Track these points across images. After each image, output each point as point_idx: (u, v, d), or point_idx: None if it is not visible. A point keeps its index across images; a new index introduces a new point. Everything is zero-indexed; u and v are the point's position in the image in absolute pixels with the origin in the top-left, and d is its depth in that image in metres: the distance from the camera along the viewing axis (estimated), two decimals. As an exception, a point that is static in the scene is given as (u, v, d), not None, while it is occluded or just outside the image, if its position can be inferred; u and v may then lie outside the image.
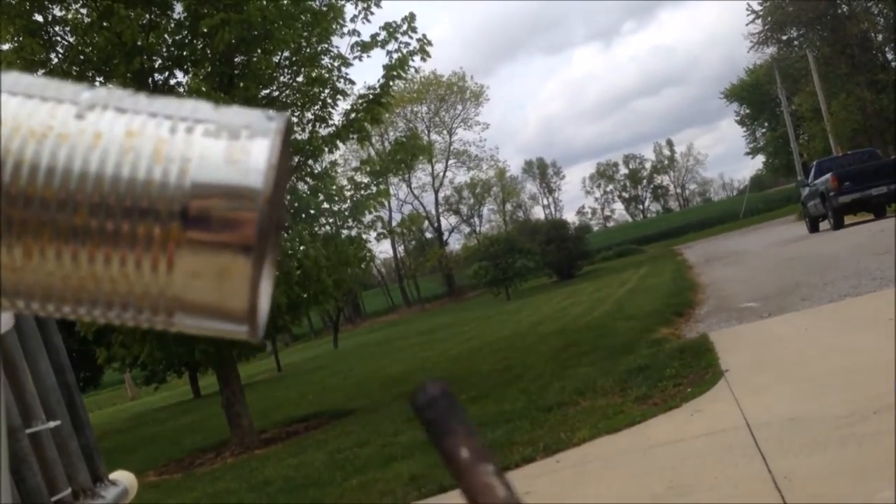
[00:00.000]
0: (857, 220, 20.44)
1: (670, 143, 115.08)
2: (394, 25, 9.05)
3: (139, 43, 7.86)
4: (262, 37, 8.24)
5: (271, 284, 0.45)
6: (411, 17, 9.10)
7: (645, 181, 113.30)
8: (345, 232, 9.40)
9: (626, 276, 22.21)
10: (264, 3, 7.96)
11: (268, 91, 8.83)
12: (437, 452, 0.42)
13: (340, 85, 9.16)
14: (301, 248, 8.25)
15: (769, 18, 36.08)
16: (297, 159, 8.88)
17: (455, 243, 61.92)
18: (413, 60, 9.17)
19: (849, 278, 8.80)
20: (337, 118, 9.24)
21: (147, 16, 8.11)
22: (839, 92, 33.03)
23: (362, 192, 9.50)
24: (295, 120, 8.94)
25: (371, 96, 9.19)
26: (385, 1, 9.24)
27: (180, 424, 13.98)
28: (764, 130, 59.69)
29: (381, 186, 9.75)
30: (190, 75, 8.68)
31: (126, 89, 0.41)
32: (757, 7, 35.84)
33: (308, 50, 8.97)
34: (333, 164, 9.84)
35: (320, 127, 9.18)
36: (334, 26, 9.00)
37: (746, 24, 42.48)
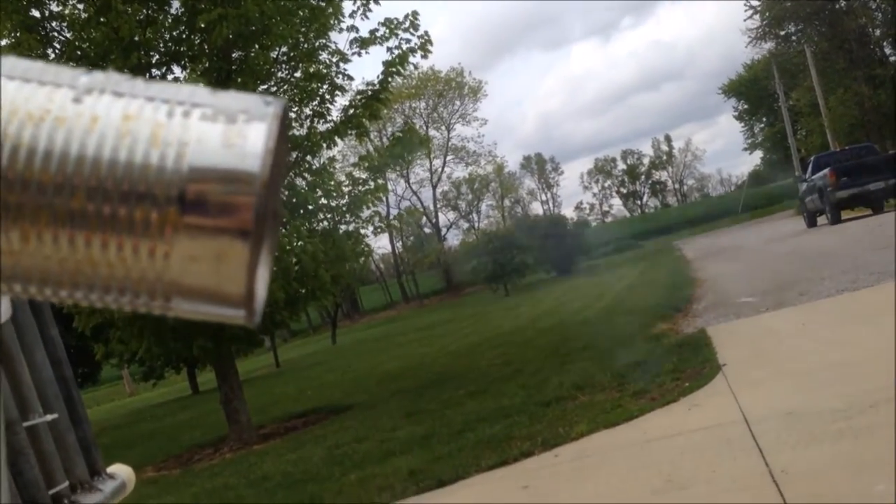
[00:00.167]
0: (854, 216, 20.46)
1: (668, 139, 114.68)
2: (395, 22, 9.03)
3: (136, 38, 7.85)
4: (259, 32, 8.23)
5: (269, 271, 0.45)
6: (414, 15, 9.08)
7: (643, 177, 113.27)
8: (342, 227, 9.39)
9: (625, 271, 22.23)
10: (262, -2, 7.95)
11: (265, 86, 8.82)
12: None
13: (339, 81, 9.16)
14: (299, 243, 8.25)
15: (767, 14, 36.08)
16: (295, 155, 8.87)
17: (453, 239, 61.99)
18: (413, 57, 9.16)
19: (846, 273, 8.81)
20: (335, 114, 9.24)
21: (144, 11, 8.09)
22: (837, 87, 33.06)
23: (360, 187, 9.50)
24: (293, 115, 8.93)
25: (370, 92, 9.18)
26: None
27: (178, 420, 13.99)
28: (762, 126, 59.76)
29: (379, 181, 9.74)
30: (187, 70, 8.67)
31: (123, 74, 0.41)
32: (755, 3, 35.86)
33: (306, 45, 8.96)
34: (332, 159, 9.83)
35: (318, 122, 9.17)
36: (332, 22, 8.99)
37: (745, 20, 42.48)
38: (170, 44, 8.54)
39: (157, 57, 8.51)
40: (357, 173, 9.90)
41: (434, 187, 58.59)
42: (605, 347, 7.90)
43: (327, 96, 9.10)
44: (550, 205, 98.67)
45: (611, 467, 4.04)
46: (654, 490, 3.48)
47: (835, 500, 2.82)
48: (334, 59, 9.13)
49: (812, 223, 22.01)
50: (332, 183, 9.43)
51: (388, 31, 9.03)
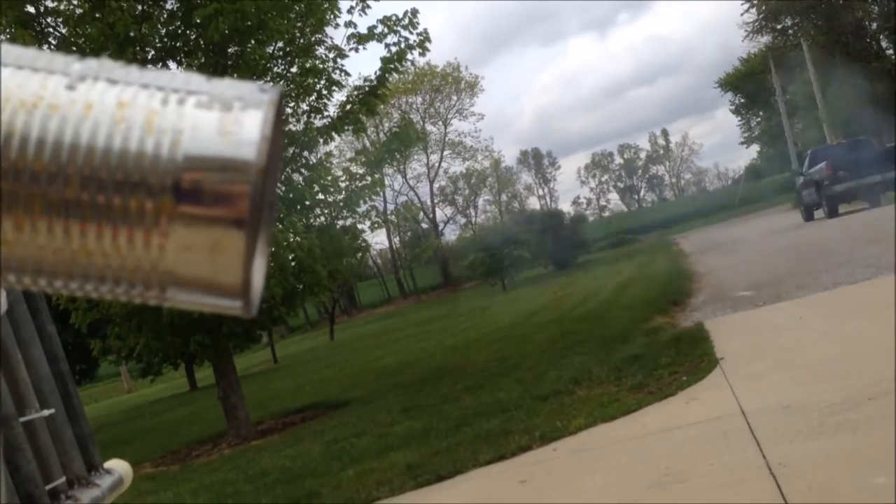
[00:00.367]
0: (851, 209, 20.48)
1: (665, 133, 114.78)
2: (393, 19, 9.01)
3: (132, 34, 7.83)
4: (255, 27, 8.21)
5: (266, 261, 0.44)
6: (413, 13, 9.06)
7: (640, 171, 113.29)
8: (339, 223, 9.39)
9: (622, 265, 22.25)
10: (257, -8, 7.93)
11: (262, 82, 8.78)
12: None
13: (336, 76, 9.14)
14: (296, 239, 8.24)
15: (764, 7, 36.08)
16: (291, 150, 8.86)
17: (451, 234, 61.99)
18: (412, 54, 9.15)
19: (843, 266, 8.81)
20: (332, 109, 9.23)
21: (140, 6, 8.07)
22: (834, 80, 33.05)
23: (357, 182, 9.49)
24: (290, 111, 8.91)
25: (367, 88, 9.17)
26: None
27: (177, 416, 13.99)
28: (759, 120, 59.71)
29: (376, 176, 9.73)
30: (183, 66, 8.65)
31: (117, 62, 0.41)
32: (751, -4, 35.82)
33: (302, 41, 8.94)
34: (328, 154, 9.81)
35: (315, 118, 9.16)
36: (329, 17, 8.97)
37: (741, 14, 42.47)
38: (165, 39, 8.52)
39: (153, 52, 8.49)
40: (354, 168, 9.89)
41: (431, 182, 58.57)
42: (602, 342, 7.90)
43: (324, 92, 9.08)
44: (547, 200, 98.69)
45: (609, 461, 4.05)
46: (651, 483, 3.48)
47: (832, 492, 2.82)
48: (331, 55, 9.12)
49: (809, 217, 22.02)
50: (329, 178, 9.42)
51: (386, 28, 9.01)
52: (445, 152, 58.32)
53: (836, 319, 6.16)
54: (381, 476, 4.90)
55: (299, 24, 8.77)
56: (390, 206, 46.18)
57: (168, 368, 23.13)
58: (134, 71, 0.40)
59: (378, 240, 62.01)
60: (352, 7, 9.05)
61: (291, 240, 8.22)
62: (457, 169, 68.23)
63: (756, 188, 61.75)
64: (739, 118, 62.70)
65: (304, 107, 9.09)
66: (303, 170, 9.19)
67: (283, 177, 8.84)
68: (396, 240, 61.03)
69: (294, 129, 8.93)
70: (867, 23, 35.02)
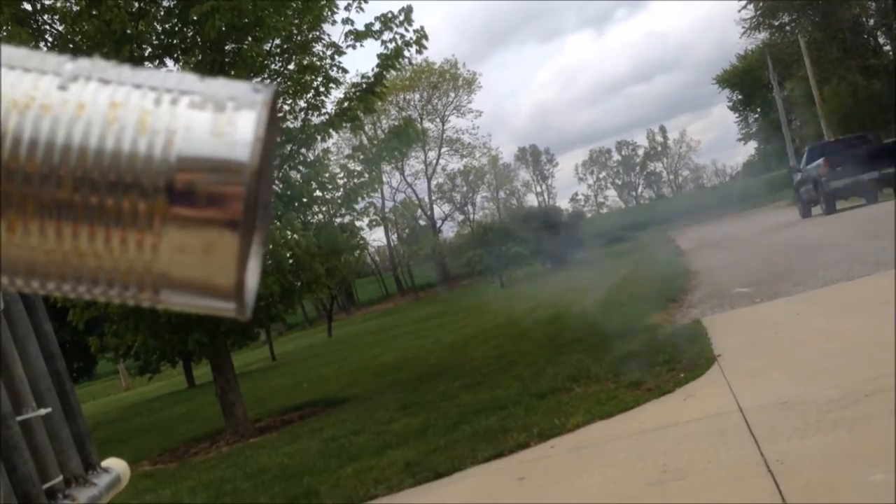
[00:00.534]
0: (849, 205, 20.50)
1: (663, 130, 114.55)
2: (389, 16, 9.00)
3: (128, 31, 7.81)
4: (252, 24, 8.19)
5: (260, 262, 0.44)
6: (408, 10, 9.05)
7: (638, 168, 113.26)
8: (337, 220, 9.38)
9: (620, 262, 22.25)
10: (255, -11, 7.91)
11: (259, 79, 8.79)
12: None
13: (333, 73, 9.13)
14: (293, 236, 8.23)
15: (761, 4, 36.06)
16: (289, 147, 8.85)
17: (448, 231, 61.94)
18: (409, 51, 9.14)
19: (841, 263, 8.82)
20: (330, 106, 9.22)
21: (136, 4, 8.06)
22: (831, 77, 33.07)
23: (355, 179, 9.48)
24: (287, 108, 8.91)
25: (364, 85, 9.16)
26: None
27: (175, 414, 13.99)
28: (756, 116, 59.78)
29: (374, 173, 9.72)
30: (180, 63, 8.63)
31: (110, 61, 0.40)
32: (749, -7, 35.82)
33: (299, 37, 8.93)
34: (326, 151, 9.80)
35: (313, 115, 9.15)
36: (326, 14, 8.95)
37: (739, 10, 42.49)
38: (162, 36, 8.50)
39: (150, 50, 8.47)
40: (352, 165, 9.89)
41: (429, 179, 58.55)
42: (600, 338, 7.90)
43: (321, 89, 9.07)
44: (545, 196, 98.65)
45: (606, 458, 4.05)
46: (649, 481, 3.48)
47: (830, 489, 2.83)
48: (328, 52, 9.11)
49: (807, 213, 22.03)
50: (327, 175, 9.42)
51: (383, 25, 9.00)
52: (443, 149, 58.32)
53: (834, 316, 6.16)
54: (380, 474, 4.90)
55: (296, 21, 8.76)
56: (388, 204, 46.20)
57: (166, 366, 23.15)
58: (126, 71, 0.40)
59: (376, 237, 62.03)
60: (349, 4, 9.05)
61: (289, 237, 8.22)
62: (455, 166, 68.24)
63: (754, 185, 61.79)
64: (737, 115, 62.82)
65: (302, 104, 9.09)
66: (300, 167, 9.18)
67: (280, 174, 8.84)
68: (394, 237, 61.03)
69: (292, 126, 8.93)
70: (864, 19, 35.02)
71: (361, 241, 9.76)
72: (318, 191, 9.32)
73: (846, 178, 19.33)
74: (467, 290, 38.82)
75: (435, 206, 60.54)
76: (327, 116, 9.14)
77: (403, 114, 48.97)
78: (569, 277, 22.43)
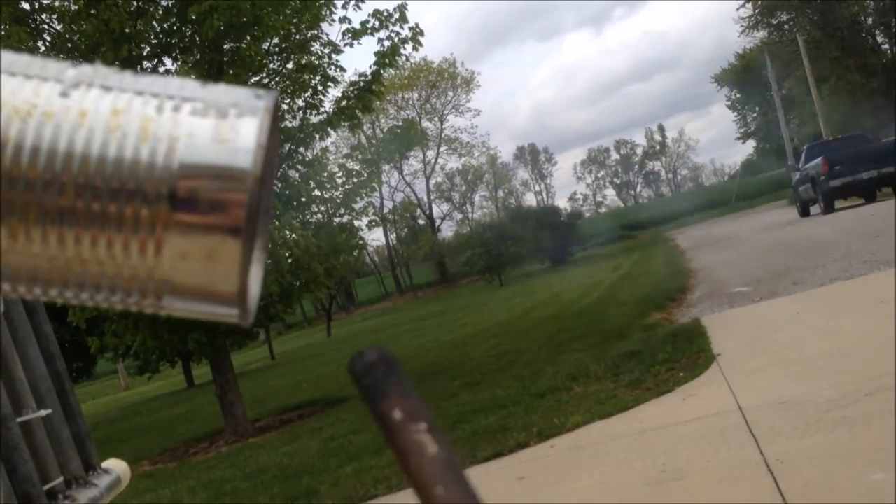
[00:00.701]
0: (847, 205, 20.51)
1: (661, 129, 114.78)
2: (385, 14, 9.01)
3: (127, 30, 7.80)
4: (250, 23, 8.19)
5: (262, 267, 0.44)
6: (403, 7, 9.06)
7: (636, 167, 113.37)
8: (336, 220, 9.38)
9: (619, 261, 22.25)
10: (253, -11, 7.91)
11: (258, 78, 8.79)
12: (374, 418, 0.40)
13: (331, 72, 9.13)
14: (292, 236, 8.23)
15: (759, 3, 36.07)
16: (287, 147, 8.85)
17: (447, 230, 61.92)
18: (405, 49, 9.14)
19: (840, 262, 8.83)
20: (328, 105, 9.22)
21: (135, 3, 8.05)
22: (829, 76, 33.08)
23: (354, 179, 9.48)
24: (285, 107, 8.91)
25: (362, 84, 9.16)
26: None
27: (174, 414, 13.98)
28: (755, 115, 59.80)
29: (373, 170, 9.72)
30: (179, 62, 8.63)
31: (112, 68, 0.40)
32: (747, -9, 35.82)
33: (298, 37, 8.93)
34: (324, 150, 9.80)
35: (311, 114, 9.15)
36: (324, 13, 8.96)
37: (737, 9, 42.47)
38: (161, 36, 8.49)
39: (148, 49, 8.47)
40: (351, 164, 9.89)
41: (428, 178, 58.48)
42: (599, 338, 7.91)
43: (320, 88, 9.07)
44: (544, 195, 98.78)
45: (606, 458, 4.05)
46: (649, 480, 3.49)
47: (830, 489, 2.83)
48: (326, 51, 9.11)
49: (805, 212, 22.04)
50: (326, 174, 9.41)
51: (378, 22, 9.01)
52: (442, 148, 58.27)
53: (833, 315, 6.17)
54: (379, 473, 4.90)
55: (295, 21, 8.76)
56: (387, 203, 46.19)
57: (165, 366, 23.15)
58: (128, 77, 0.40)
59: (375, 236, 62.01)
60: (346, 2, 9.05)
61: (288, 237, 8.22)
62: (453, 165, 68.19)
63: (752, 184, 61.81)
64: (735, 113, 62.85)
65: (300, 103, 9.09)
66: (299, 166, 9.19)
67: (279, 173, 8.84)
68: (393, 236, 61.00)
69: (290, 125, 8.92)
70: (863, 18, 35.04)
71: (360, 241, 9.76)
72: (316, 190, 9.32)
73: (844, 177, 19.33)
74: (466, 289, 38.83)
75: (434, 206, 60.52)
76: (325, 115, 9.14)
77: (402, 113, 49.02)
78: (567, 276, 22.44)
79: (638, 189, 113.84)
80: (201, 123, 0.38)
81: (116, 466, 1.52)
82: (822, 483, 2.89)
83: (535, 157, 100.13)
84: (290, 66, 9.06)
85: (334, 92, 9.23)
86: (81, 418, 1.47)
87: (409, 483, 0.39)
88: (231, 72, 8.26)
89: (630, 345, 6.89)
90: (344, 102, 9.10)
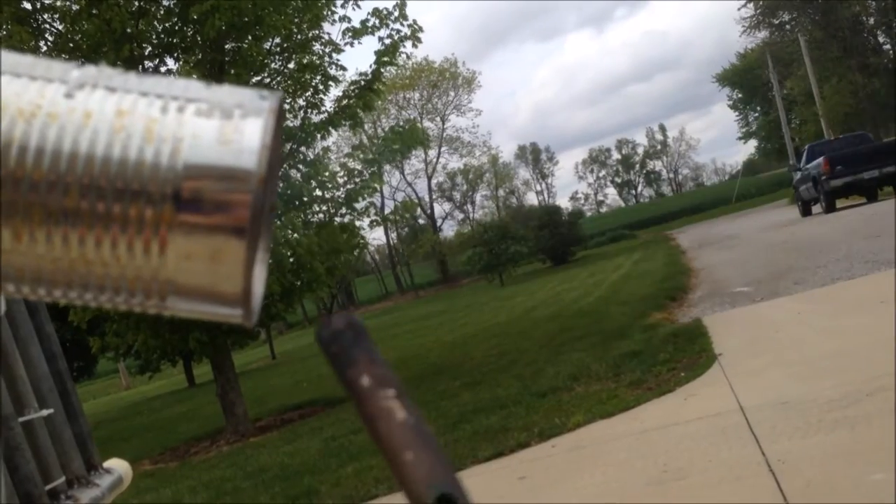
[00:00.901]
0: (848, 204, 20.49)
1: (663, 128, 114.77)
2: (384, 12, 9.01)
3: (128, 30, 7.81)
4: (252, 23, 8.20)
5: (265, 269, 0.44)
6: (402, 5, 9.07)
7: (637, 166, 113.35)
8: (337, 219, 9.39)
9: (620, 261, 22.24)
10: (254, -11, 7.91)
11: (259, 78, 8.79)
12: (342, 385, 0.40)
13: (332, 71, 9.14)
14: (294, 235, 8.24)
15: (761, 3, 36.06)
16: (289, 146, 8.85)
17: (448, 230, 61.87)
18: (404, 47, 9.15)
19: (841, 262, 8.82)
20: (329, 105, 9.23)
21: (136, 3, 8.05)
22: (831, 76, 33.05)
23: (355, 179, 9.49)
24: (287, 107, 8.91)
25: (363, 83, 9.17)
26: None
27: (175, 413, 13.99)
28: (756, 115, 59.77)
29: (374, 169, 9.73)
30: (180, 62, 8.64)
31: (115, 68, 0.40)
32: (749, -9, 35.81)
33: (299, 36, 8.93)
34: (326, 150, 9.81)
35: (312, 113, 9.16)
36: (325, 12, 8.96)
37: (739, 9, 42.49)
38: (162, 35, 8.50)
39: (150, 49, 8.47)
40: (352, 164, 9.89)
41: (429, 178, 58.44)
42: (600, 337, 7.91)
43: (321, 87, 9.08)
44: (545, 195, 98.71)
45: (607, 458, 4.05)
46: (650, 480, 3.49)
47: (831, 489, 2.83)
48: (327, 50, 9.11)
49: (806, 212, 22.03)
50: (327, 174, 9.42)
51: (378, 20, 9.01)
52: (443, 148, 58.24)
53: (835, 315, 6.16)
54: (380, 473, 4.90)
55: (296, 20, 8.76)
56: (388, 202, 46.18)
57: (166, 365, 23.13)
58: (132, 78, 0.40)
59: (375, 235, 61.99)
60: (345, 1, 9.07)
61: (290, 236, 8.22)
62: (455, 165, 68.14)
63: (753, 183, 61.80)
64: (737, 113, 62.80)
65: (301, 102, 9.10)
66: (300, 165, 9.19)
67: (280, 172, 8.83)
68: (394, 235, 60.99)
69: (291, 124, 8.93)
70: (864, 18, 35.01)
71: (362, 241, 9.76)
72: (317, 189, 9.32)
73: (846, 176, 19.32)
74: (467, 288, 38.84)
75: (435, 205, 60.49)
76: (327, 115, 9.14)
77: (404, 113, 49.00)
78: (568, 276, 22.43)
79: (639, 188, 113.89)
80: (206, 124, 0.38)
81: (118, 466, 1.52)
82: (824, 483, 2.89)
83: (536, 157, 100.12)
84: (291, 65, 9.07)
85: (335, 91, 9.25)
86: (83, 418, 1.47)
87: (378, 449, 0.39)
88: (232, 71, 8.27)
89: (631, 344, 6.89)
90: (345, 101, 9.11)
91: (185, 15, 8.08)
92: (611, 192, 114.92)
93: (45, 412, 1.31)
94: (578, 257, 33.43)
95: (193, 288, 0.39)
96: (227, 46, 8.54)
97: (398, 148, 9.79)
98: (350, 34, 9.08)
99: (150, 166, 0.38)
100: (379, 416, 0.39)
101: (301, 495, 5.03)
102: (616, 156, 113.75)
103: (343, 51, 9.13)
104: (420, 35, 9.18)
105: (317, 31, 9.08)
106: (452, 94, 55.97)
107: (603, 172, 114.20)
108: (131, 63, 7.93)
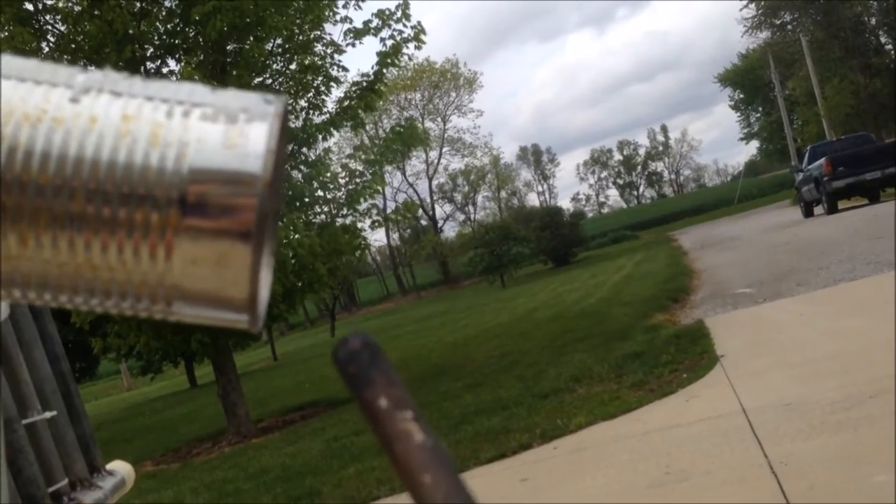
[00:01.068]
0: (850, 205, 20.48)
1: (664, 129, 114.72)
2: (387, 13, 9.02)
3: (130, 31, 7.81)
4: (254, 24, 8.20)
5: (271, 273, 0.44)
6: (405, 5, 9.07)
7: (639, 167, 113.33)
8: (339, 220, 9.39)
9: (621, 262, 22.22)
10: (256, -10, 7.92)
11: (261, 79, 8.80)
12: (359, 406, 0.40)
13: (334, 72, 9.14)
14: (295, 236, 8.23)
15: (763, 3, 36.05)
16: (290, 147, 8.85)
17: (450, 231, 61.86)
18: (407, 48, 9.15)
19: (843, 263, 8.82)
20: (330, 105, 9.23)
21: (138, 4, 8.06)
22: (833, 76, 33.03)
23: (357, 179, 9.49)
24: (288, 108, 8.90)
25: (364, 83, 9.17)
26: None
27: (177, 414, 13.99)
28: (758, 115, 59.69)
29: (376, 170, 9.73)
30: (182, 63, 8.64)
31: (121, 73, 0.40)
32: (751, -8, 35.80)
33: (301, 37, 8.94)
34: (327, 151, 9.81)
35: (314, 114, 9.16)
36: (327, 13, 8.97)
37: (740, 9, 42.47)
38: (164, 37, 8.51)
39: (152, 50, 8.48)
40: (354, 165, 9.89)
41: (430, 179, 58.44)
42: (602, 339, 7.90)
43: (322, 88, 9.08)
44: (547, 196, 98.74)
45: (609, 459, 4.05)
46: (652, 482, 3.48)
47: (833, 491, 2.82)
48: (329, 51, 9.12)
49: (809, 213, 22.00)
50: (328, 174, 9.42)
51: (380, 21, 9.02)
52: (444, 149, 58.23)
53: (837, 316, 6.16)
54: (382, 474, 4.90)
55: (298, 21, 8.77)
56: (390, 203, 46.15)
57: (168, 366, 23.15)
58: (138, 82, 0.40)
59: (377, 236, 61.95)
60: (346, 2, 9.07)
61: (292, 237, 8.22)
62: (456, 165, 68.08)
63: (755, 184, 61.76)
64: (739, 114, 62.71)
65: (303, 103, 9.10)
66: (302, 167, 9.19)
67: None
68: (396, 236, 61.00)
69: (293, 125, 8.93)
70: (866, 18, 35.00)
71: (363, 242, 9.76)
72: (319, 190, 9.32)
73: (848, 177, 19.30)
74: (469, 289, 38.83)
75: (436, 206, 60.47)
76: (328, 115, 9.15)
77: (405, 113, 48.97)
78: (570, 277, 22.42)
79: (640, 189, 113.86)
80: (211, 128, 0.38)
81: (121, 468, 1.52)
82: (827, 485, 2.88)
83: (537, 158, 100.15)
84: (293, 66, 9.07)
85: (337, 92, 9.25)
86: (86, 420, 1.47)
87: (395, 471, 0.39)
88: (234, 73, 8.27)
89: (633, 346, 6.88)
90: (346, 102, 9.11)
91: (186, 16, 8.09)
92: (612, 193, 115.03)
93: (48, 414, 1.31)
94: (580, 258, 33.43)
95: (199, 293, 0.39)
96: (228, 47, 8.54)
97: (398, 148, 9.78)
98: (352, 35, 9.08)
99: (156, 171, 0.38)
100: (397, 438, 0.39)
101: (303, 496, 5.03)
102: (618, 157, 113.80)
103: (345, 51, 9.14)
104: (422, 37, 9.18)
105: (318, 32, 9.09)
106: (454, 94, 55.98)
107: (604, 173, 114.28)
108: (133, 64, 7.93)
